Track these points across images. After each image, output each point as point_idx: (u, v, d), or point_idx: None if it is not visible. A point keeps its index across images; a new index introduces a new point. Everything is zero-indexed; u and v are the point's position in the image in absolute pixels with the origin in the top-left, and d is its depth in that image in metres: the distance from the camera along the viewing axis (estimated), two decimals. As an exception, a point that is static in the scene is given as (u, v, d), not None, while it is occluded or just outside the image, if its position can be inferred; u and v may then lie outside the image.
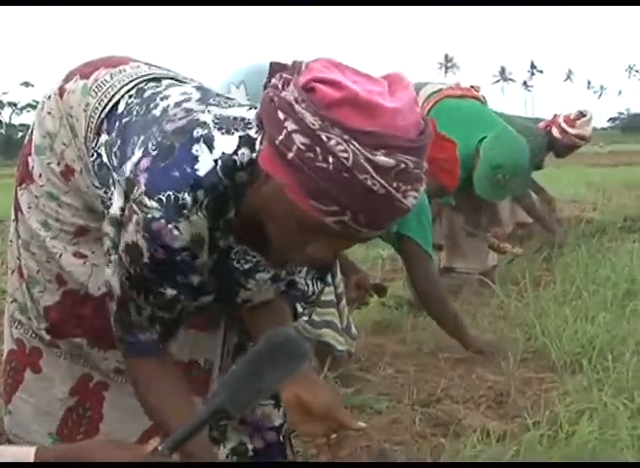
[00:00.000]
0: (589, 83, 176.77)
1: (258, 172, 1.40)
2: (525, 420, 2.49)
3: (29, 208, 1.83)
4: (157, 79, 1.74)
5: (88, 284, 1.81)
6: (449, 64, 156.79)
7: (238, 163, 1.45)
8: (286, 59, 1.45)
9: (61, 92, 1.79)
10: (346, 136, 1.26)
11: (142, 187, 1.43)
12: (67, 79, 1.81)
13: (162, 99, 1.62)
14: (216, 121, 1.49)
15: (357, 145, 1.26)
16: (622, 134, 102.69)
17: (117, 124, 1.65)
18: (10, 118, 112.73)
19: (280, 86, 1.34)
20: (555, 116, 5.87)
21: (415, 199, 1.33)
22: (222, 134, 1.47)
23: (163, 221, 1.41)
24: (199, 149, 1.44)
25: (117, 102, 1.69)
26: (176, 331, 1.66)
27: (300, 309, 1.90)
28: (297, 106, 1.29)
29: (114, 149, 1.62)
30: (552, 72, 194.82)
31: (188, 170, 1.42)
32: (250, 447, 2.02)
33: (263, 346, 1.38)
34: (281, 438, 2.01)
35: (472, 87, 4.75)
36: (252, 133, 1.46)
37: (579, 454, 2.11)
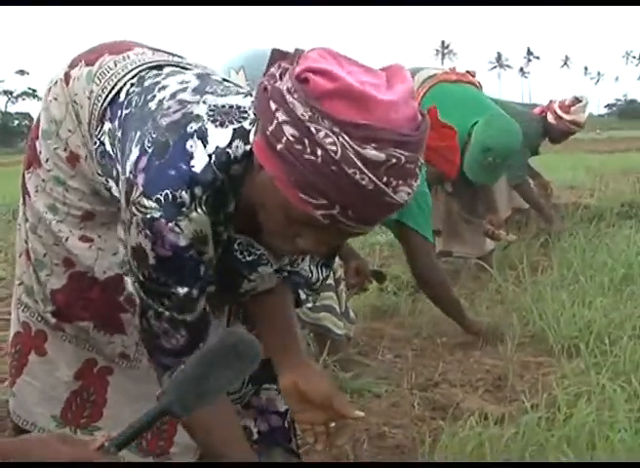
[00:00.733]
0: (586, 69, 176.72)
1: (253, 162, 1.40)
2: (523, 403, 2.51)
3: (36, 191, 1.84)
4: (159, 67, 1.72)
5: (94, 267, 1.82)
6: (445, 51, 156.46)
7: (232, 156, 1.44)
8: (284, 45, 1.43)
9: (67, 78, 1.79)
10: (336, 129, 1.25)
11: (140, 188, 1.42)
12: (73, 65, 1.80)
13: (159, 90, 1.60)
14: (210, 113, 1.48)
15: (347, 138, 1.25)
16: (620, 120, 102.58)
17: (119, 113, 1.65)
18: (5, 106, 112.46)
19: (277, 75, 1.34)
20: (550, 102, 5.87)
21: (408, 195, 1.31)
22: (216, 126, 1.46)
23: (163, 221, 1.40)
24: (193, 145, 1.43)
25: (119, 90, 1.68)
26: (204, 337, 1.60)
27: (303, 296, 1.89)
28: (288, 97, 1.29)
29: (116, 139, 1.62)
30: (549, 59, 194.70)
31: (184, 167, 1.41)
32: (254, 430, 2.03)
33: (216, 347, 1.36)
34: (285, 424, 2.02)
35: (468, 72, 4.76)
36: (246, 124, 1.45)
37: (577, 435, 2.13)
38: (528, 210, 5.95)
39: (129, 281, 1.56)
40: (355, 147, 1.25)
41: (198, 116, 1.47)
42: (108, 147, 1.65)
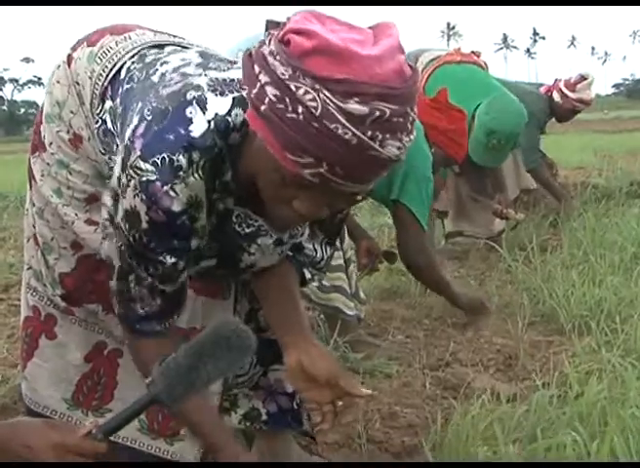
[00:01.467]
0: (593, 49, 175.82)
1: (250, 131, 1.40)
2: (534, 382, 2.51)
3: (42, 176, 1.84)
4: (161, 46, 1.74)
5: (100, 250, 1.82)
6: (451, 32, 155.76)
7: (231, 124, 1.44)
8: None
9: (69, 60, 1.80)
10: (317, 86, 1.25)
11: (138, 152, 1.43)
12: (75, 47, 1.82)
13: (162, 65, 1.62)
14: (210, 83, 1.48)
15: (327, 94, 1.24)
16: (627, 99, 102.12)
17: (120, 90, 1.66)
18: (12, 94, 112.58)
19: (266, 41, 1.34)
20: (556, 80, 5.83)
21: (398, 149, 1.30)
22: (216, 95, 1.46)
23: (159, 184, 1.41)
24: (193, 111, 1.43)
25: (120, 68, 1.69)
26: (178, 307, 1.63)
27: (308, 275, 1.90)
28: (270, 58, 1.29)
29: (117, 115, 1.63)
30: (555, 39, 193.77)
31: (182, 131, 1.42)
32: (263, 411, 2.04)
33: (208, 337, 1.37)
34: (295, 405, 2.03)
35: (473, 52, 4.73)
36: (245, 94, 1.45)
37: (588, 412, 2.13)
38: (536, 190, 5.93)
39: (106, 245, 1.57)
40: (337, 102, 1.24)
41: (198, 86, 1.48)
42: (110, 125, 1.66)
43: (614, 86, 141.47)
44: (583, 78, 5.72)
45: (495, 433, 2.08)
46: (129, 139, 1.46)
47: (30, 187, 1.90)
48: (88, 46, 1.78)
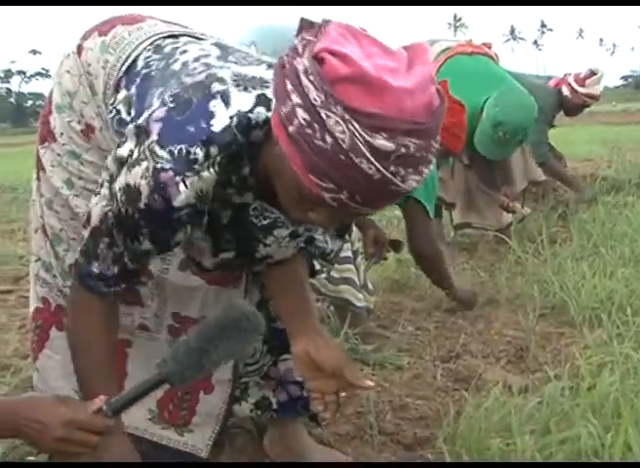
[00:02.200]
0: (601, 41, 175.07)
1: (272, 131, 1.39)
2: (546, 374, 2.50)
3: (52, 166, 1.84)
4: (175, 36, 1.74)
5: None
6: (458, 24, 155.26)
7: (254, 121, 1.45)
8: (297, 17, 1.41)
9: (80, 50, 1.79)
10: (347, 116, 1.24)
11: (155, 136, 1.43)
12: (85, 37, 1.81)
13: (181, 54, 1.62)
14: (234, 77, 1.49)
15: (357, 126, 1.24)
16: (636, 91, 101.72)
17: (136, 80, 1.66)
18: (19, 86, 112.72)
19: (300, 49, 1.31)
20: (565, 75, 5.81)
21: (417, 182, 1.31)
22: (240, 91, 1.47)
23: (172, 173, 1.41)
24: (216, 105, 1.44)
25: (135, 59, 1.69)
26: (129, 282, 1.62)
27: (317, 266, 1.91)
28: (304, 78, 1.27)
29: (132, 104, 1.63)
30: (563, 31, 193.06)
31: (203, 125, 1.42)
32: (274, 400, 2.05)
33: (217, 320, 1.38)
34: (304, 393, 2.03)
35: (484, 44, 4.71)
36: (268, 92, 1.45)
37: (602, 404, 2.11)
38: (544, 182, 5.91)
39: (94, 201, 1.55)
40: (364, 136, 1.24)
41: (222, 79, 1.48)
42: (124, 115, 1.65)
43: (622, 78, 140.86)
44: (593, 73, 5.70)
45: (508, 425, 2.07)
46: (145, 120, 1.46)
47: (38, 178, 1.90)
48: (99, 36, 1.78)
